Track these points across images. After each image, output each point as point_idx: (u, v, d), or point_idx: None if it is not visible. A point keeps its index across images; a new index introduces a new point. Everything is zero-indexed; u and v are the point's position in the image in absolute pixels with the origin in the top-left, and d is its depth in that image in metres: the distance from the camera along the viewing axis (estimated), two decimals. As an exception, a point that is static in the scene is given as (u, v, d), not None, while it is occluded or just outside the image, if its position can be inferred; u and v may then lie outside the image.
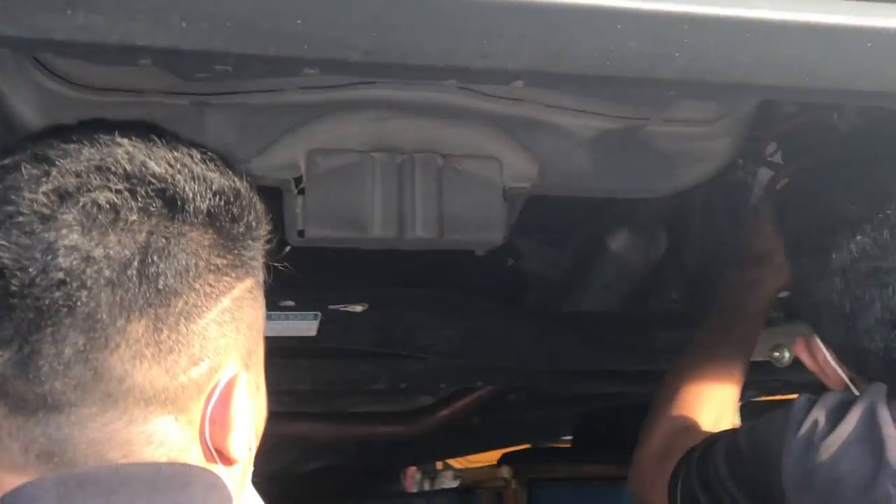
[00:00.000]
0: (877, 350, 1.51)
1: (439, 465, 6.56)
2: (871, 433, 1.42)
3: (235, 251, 1.11)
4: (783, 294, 2.06)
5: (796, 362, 2.20)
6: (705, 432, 1.81)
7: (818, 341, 1.62)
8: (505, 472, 3.01)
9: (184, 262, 1.05)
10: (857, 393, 1.55)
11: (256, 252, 1.15)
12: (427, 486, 6.56)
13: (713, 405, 1.90)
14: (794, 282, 1.69)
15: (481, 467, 3.17)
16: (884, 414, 1.44)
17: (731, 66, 1.25)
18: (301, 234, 1.70)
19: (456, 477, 5.96)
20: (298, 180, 1.70)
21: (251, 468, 1.16)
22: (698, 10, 1.20)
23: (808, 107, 2.15)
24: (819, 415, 1.46)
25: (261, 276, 1.17)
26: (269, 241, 1.17)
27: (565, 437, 4.13)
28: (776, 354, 2.19)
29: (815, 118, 2.15)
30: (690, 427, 1.85)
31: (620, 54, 1.21)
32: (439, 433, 2.95)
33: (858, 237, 1.50)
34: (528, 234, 2.48)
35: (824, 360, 1.61)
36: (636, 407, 3.28)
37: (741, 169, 2.35)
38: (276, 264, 1.20)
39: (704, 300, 2.64)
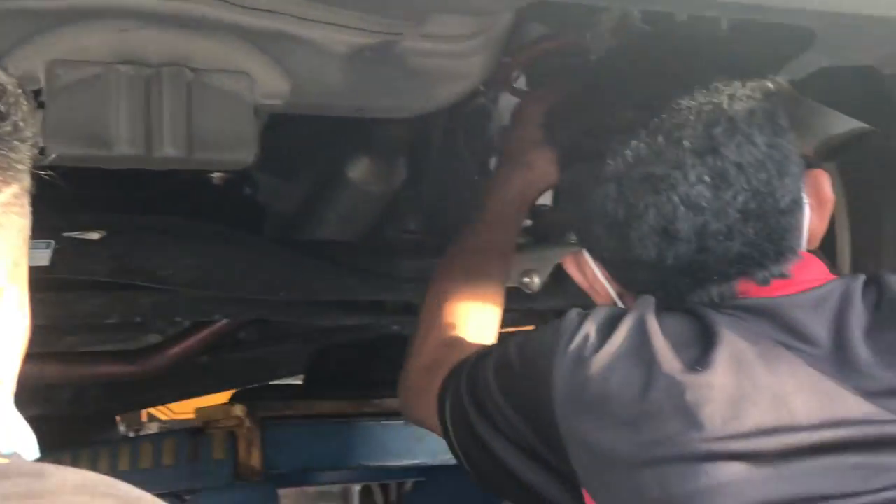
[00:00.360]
0: (649, 259, 1.50)
1: (143, 416, 6.41)
2: (641, 345, 1.41)
3: (2, 153, 1.01)
4: (544, 206, 2.07)
5: (545, 290, 2.23)
6: (473, 344, 1.79)
7: (587, 257, 1.61)
8: (238, 410, 2.93)
9: None
10: (624, 307, 1.55)
11: (23, 155, 1.04)
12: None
13: (477, 311, 1.89)
14: (565, 193, 1.68)
15: (215, 406, 3.07)
16: (653, 325, 1.43)
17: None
18: (42, 151, 1.58)
19: (161, 428, 5.82)
20: (38, 93, 1.59)
21: (13, 387, 1.06)
22: None
23: (555, 33, 2.16)
24: (590, 329, 1.45)
25: (27, 181, 1.07)
26: (35, 145, 1.07)
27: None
28: (525, 280, 2.20)
29: (562, 44, 2.16)
30: (457, 338, 1.83)
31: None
32: (167, 373, 2.85)
33: (633, 142, 1.48)
34: (261, 163, 2.41)
35: (593, 276, 1.61)
36: (368, 343, 3.30)
37: (483, 95, 2.35)
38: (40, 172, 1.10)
39: (442, 231, 2.64)
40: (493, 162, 2.63)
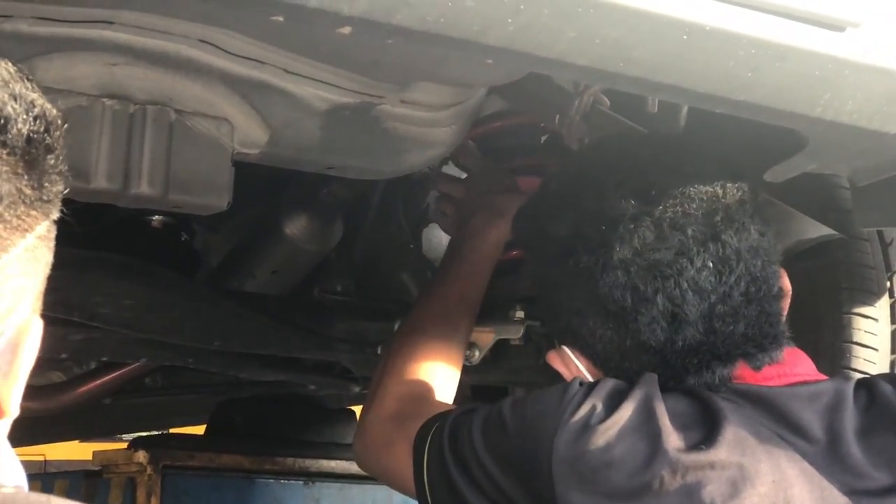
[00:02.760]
0: (656, 343, 1.54)
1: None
2: (647, 420, 1.44)
3: (45, 185, 0.99)
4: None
5: (483, 363, 2.24)
6: (442, 400, 1.81)
7: (568, 352, 1.65)
8: (141, 456, 2.87)
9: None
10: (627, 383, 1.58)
11: (60, 188, 1.03)
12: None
13: (443, 363, 1.91)
14: (547, 291, 1.70)
15: (115, 450, 3.00)
16: (658, 402, 1.46)
17: (555, 40, 1.24)
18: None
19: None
20: (19, 119, 1.55)
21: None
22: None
23: (513, 110, 2.20)
24: (596, 400, 1.47)
25: (56, 214, 1.05)
26: (67, 179, 1.06)
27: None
28: (467, 353, 2.21)
29: (520, 122, 2.21)
30: (427, 391, 1.84)
31: (455, 13, 1.19)
32: (70, 412, 2.79)
33: (640, 231, 1.53)
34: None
35: (576, 368, 1.63)
36: (272, 399, 3.27)
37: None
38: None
39: (370, 295, 2.65)
40: (427, 231, 2.66)
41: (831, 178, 2.08)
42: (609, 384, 1.51)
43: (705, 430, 1.44)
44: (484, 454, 1.54)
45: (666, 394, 1.49)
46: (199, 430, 4.22)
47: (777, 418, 1.48)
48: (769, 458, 1.42)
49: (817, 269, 2.09)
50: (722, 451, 1.41)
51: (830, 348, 2.12)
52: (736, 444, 1.42)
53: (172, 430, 3.96)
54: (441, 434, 1.63)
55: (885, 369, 2.13)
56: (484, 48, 1.24)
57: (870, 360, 2.10)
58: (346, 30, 1.20)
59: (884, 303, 2.15)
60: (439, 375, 1.89)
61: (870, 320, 2.11)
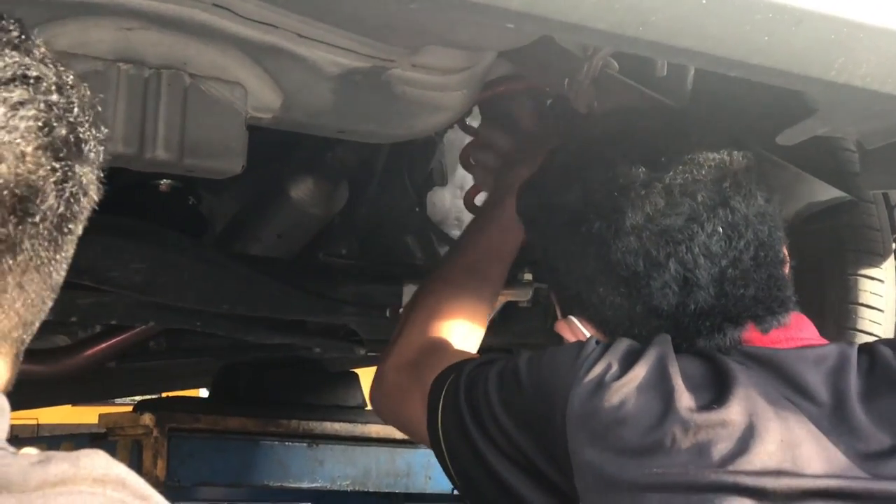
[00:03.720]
0: (668, 307, 1.56)
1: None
2: (660, 379, 1.46)
3: None
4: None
5: (492, 325, 2.25)
6: (458, 351, 1.82)
7: (576, 322, 1.66)
8: (147, 419, 2.88)
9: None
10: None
11: None
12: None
13: (466, 317, 1.92)
14: (556, 261, 1.71)
15: (121, 412, 3.02)
16: (672, 362, 1.49)
17: (575, 5, 1.25)
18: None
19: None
20: (38, 83, 1.56)
21: None
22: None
23: (518, 74, 2.21)
24: (612, 359, 1.49)
25: None
26: None
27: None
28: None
29: (525, 87, 2.21)
30: (443, 343, 1.85)
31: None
32: (76, 376, 2.80)
33: (651, 196, 1.56)
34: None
35: (584, 336, 1.66)
36: (276, 362, 3.29)
37: (430, 128, 2.38)
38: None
39: (374, 258, 2.66)
40: (432, 194, 2.67)
41: (837, 141, 2.10)
42: (624, 343, 1.53)
43: (716, 391, 1.47)
44: (499, 408, 1.56)
45: (678, 355, 1.52)
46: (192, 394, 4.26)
47: (785, 381, 1.51)
48: (778, 418, 1.45)
49: (824, 231, 2.11)
50: (733, 411, 1.43)
51: (836, 309, 2.14)
52: (746, 404, 1.45)
53: (169, 394, 3.98)
54: (457, 385, 1.64)
55: (891, 330, 2.16)
56: (505, 13, 1.25)
57: (875, 321, 2.13)
58: (371, -7, 1.21)
59: (889, 264, 2.18)
60: (463, 328, 1.90)
61: (875, 282, 2.14)
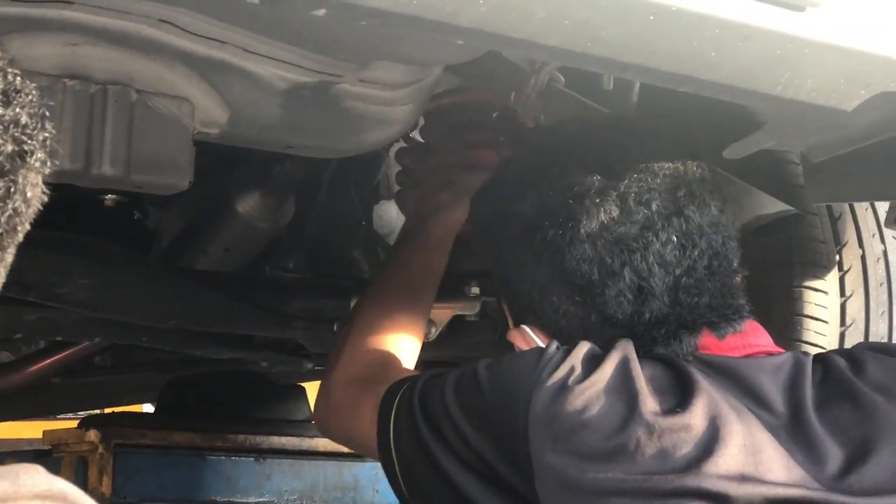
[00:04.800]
0: (623, 316, 1.56)
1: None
2: (624, 384, 1.46)
3: None
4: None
5: (440, 339, 2.26)
6: (406, 366, 1.84)
7: (529, 331, 1.67)
8: (92, 435, 2.85)
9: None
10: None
11: None
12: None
13: (407, 332, 1.93)
14: (509, 271, 1.71)
15: (66, 429, 2.98)
16: (636, 366, 1.49)
17: (526, 21, 1.26)
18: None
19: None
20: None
21: None
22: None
23: (463, 87, 2.21)
24: (574, 361, 1.49)
25: None
26: None
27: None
28: (426, 331, 2.22)
29: (470, 99, 2.21)
30: (390, 358, 1.86)
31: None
32: (20, 392, 2.77)
33: (606, 205, 1.56)
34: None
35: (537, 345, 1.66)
36: (224, 376, 3.27)
37: (377, 141, 2.37)
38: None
39: (321, 272, 2.65)
40: (378, 207, 2.67)
41: (782, 154, 2.12)
42: (586, 347, 1.53)
43: (679, 395, 1.47)
44: (457, 413, 1.55)
45: (640, 360, 1.52)
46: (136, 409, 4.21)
47: (743, 390, 1.52)
48: (740, 422, 1.45)
49: (770, 243, 2.13)
50: (696, 415, 1.43)
51: (782, 321, 2.16)
52: (709, 409, 1.45)
53: (115, 410, 3.94)
54: (411, 394, 1.63)
55: (835, 342, 2.18)
56: (456, 29, 1.25)
57: (820, 333, 2.15)
58: (321, 12, 1.21)
59: (833, 276, 2.20)
60: (403, 344, 1.91)
61: (820, 293, 2.16)
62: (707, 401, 1.46)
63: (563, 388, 1.46)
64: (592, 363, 1.49)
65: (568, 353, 1.51)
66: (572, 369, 1.48)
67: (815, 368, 1.57)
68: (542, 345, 1.63)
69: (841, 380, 1.54)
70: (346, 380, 1.85)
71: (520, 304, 1.69)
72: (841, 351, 1.66)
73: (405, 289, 1.99)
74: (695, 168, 1.61)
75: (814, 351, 2.08)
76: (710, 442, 1.42)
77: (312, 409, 3.16)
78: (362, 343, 1.90)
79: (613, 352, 1.51)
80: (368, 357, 1.87)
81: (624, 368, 1.48)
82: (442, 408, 1.57)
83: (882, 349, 1.62)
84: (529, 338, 1.66)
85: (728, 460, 1.41)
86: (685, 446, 1.41)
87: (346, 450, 3.02)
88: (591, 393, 1.45)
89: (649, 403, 1.45)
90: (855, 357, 1.59)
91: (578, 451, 1.42)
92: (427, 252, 2.03)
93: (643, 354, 1.54)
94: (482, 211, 1.80)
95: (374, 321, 1.93)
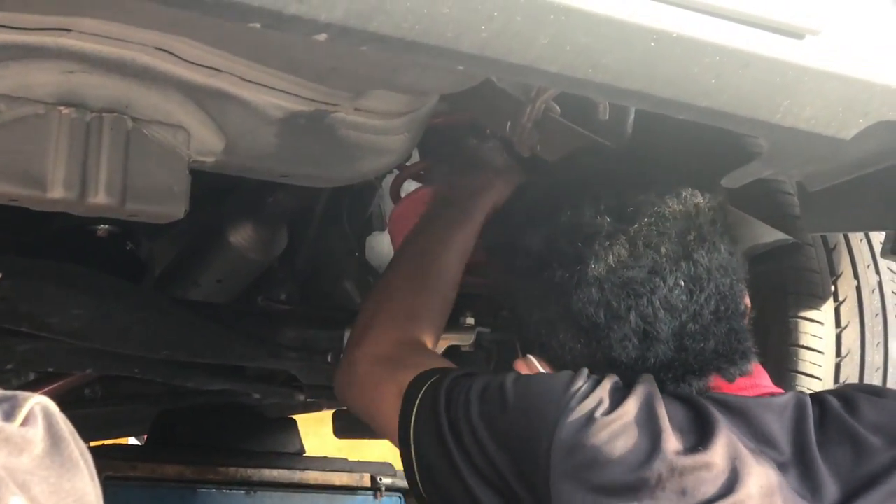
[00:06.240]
0: (628, 359, 1.57)
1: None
2: (648, 420, 1.47)
3: None
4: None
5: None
6: (434, 354, 1.82)
7: (535, 362, 1.66)
8: (82, 470, 2.81)
9: None
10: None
11: None
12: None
13: (434, 317, 1.91)
14: (530, 299, 1.69)
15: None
16: (660, 405, 1.49)
17: (528, 47, 1.26)
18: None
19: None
20: (-23, 126, 1.55)
21: None
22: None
23: (451, 113, 2.20)
24: (603, 394, 1.49)
25: None
26: None
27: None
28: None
29: (452, 121, 2.20)
30: (420, 342, 1.84)
31: (431, 18, 1.20)
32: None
33: (615, 248, 1.56)
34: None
35: None
36: (215, 408, 3.24)
37: (371, 171, 2.37)
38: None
39: (314, 303, 2.64)
40: (370, 238, 2.66)
41: (778, 184, 2.12)
42: (613, 380, 1.53)
43: (700, 434, 1.48)
44: (479, 424, 1.54)
45: (663, 396, 1.52)
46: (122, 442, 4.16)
47: (752, 429, 1.53)
48: (758, 464, 1.46)
49: (766, 273, 2.13)
50: (717, 454, 1.44)
51: (777, 351, 2.15)
52: (728, 449, 1.46)
53: (103, 443, 3.90)
54: (436, 391, 1.63)
55: (831, 372, 2.17)
56: (457, 55, 1.25)
57: (815, 363, 2.14)
58: (322, 37, 1.20)
59: (829, 307, 2.19)
60: (431, 322, 1.89)
61: (815, 324, 2.15)
62: (727, 440, 1.46)
63: (591, 419, 1.46)
64: (619, 396, 1.50)
65: (598, 383, 1.51)
66: (601, 401, 1.48)
67: (814, 409, 1.57)
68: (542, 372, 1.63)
69: (839, 420, 1.55)
70: (376, 356, 1.82)
71: (527, 335, 1.69)
72: (833, 391, 1.67)
73: (436, 263, 1.94)
74: (707, 210, 1.60)
75: (810, 382, 2.09)
76: (731, 480, 1.42)
77: (304, 442, 3.15)
78: (391, 316, 1.88)
79: (638, 386, 1.51)
80: (397, 335, 1.85)
81: (649, 404, 1.49)
82: (465, 414, 1.56)
83: (871, 391, 1.64)
84: (535, 369, 1.65)
85: (746, 499, 1.42)
86: (705, 485, 1.41)
87: (337, 482, 3.01)
88: (617, 427, 1.45)
89: (672, 441, 1.45)
90: (847, 398, 1.60)
91: (599, 483, 1.43)
92: (462, 228, 1.97)
93: (665, 391, 1.54)
94: (495, 237, 1.80)
95: (405, 294, 1.91)
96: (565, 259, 1.59)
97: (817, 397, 1.62)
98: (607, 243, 1.57)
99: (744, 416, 1.53)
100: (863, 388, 1.66)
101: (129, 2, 1.43)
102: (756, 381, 1.61)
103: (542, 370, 1.65)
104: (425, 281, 1.92)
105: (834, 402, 1.58)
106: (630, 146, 1.88)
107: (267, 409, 3.35)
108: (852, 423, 1.54)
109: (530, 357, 1.67)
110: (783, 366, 2.14)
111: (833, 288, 2.21)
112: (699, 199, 1.62)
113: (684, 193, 1.61)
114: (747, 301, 1.66)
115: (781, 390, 1.63)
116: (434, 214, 2.04)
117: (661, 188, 1.62)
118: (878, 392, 1.63)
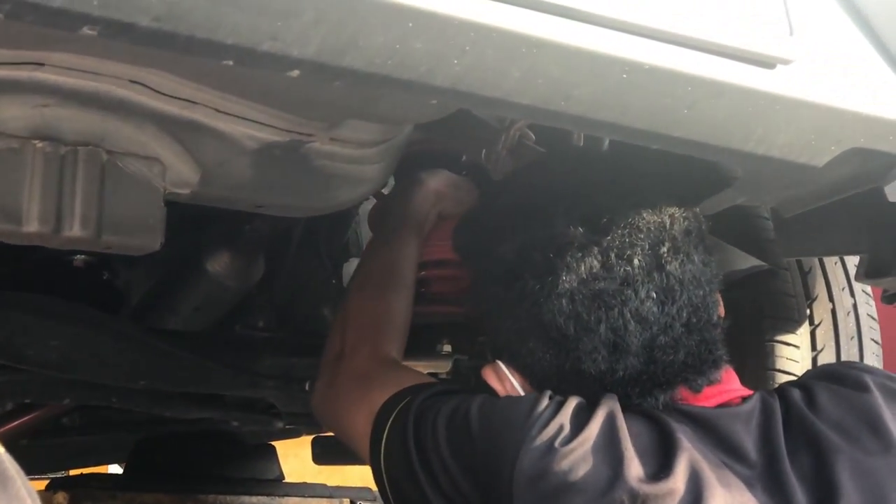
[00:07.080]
0: (597, 371, 1.56)
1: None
2: (610, 444, 1.46)
3: None
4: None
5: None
6: (409, 372, 1.83)
7: (504, 368, 1.66)
8: (61, 497, 2.81)
9: None
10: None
11: None
12: None
13: (398, 316, 1.94)
14: (488, 307, 1.70)
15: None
16: (622, 427, 1.48)
17: (500, 80, 1.26)
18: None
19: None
20: (-49, 161, 1.54)
21: None
22: (485, 20, 1.20)
23: (428, 138, 2.21)
24: (564, 419, 1.48)
25: None
26: None
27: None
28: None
29: (426, 147, 2.20)
30: (393, 359, 1.87)
31: (404, 53, 1.20)
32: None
33: (587, 259, 1.55)
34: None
35: (511, 386, 1.65)
36: (193, 436, 3.23)
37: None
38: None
39: (291, 330, 2.64)
40: (347, 266, 2.66)
41: (752, 209, 2.13)
42: (574, 402, 1.52)
43: (662, 457, 1.47)
44: (446, 451, 1.54)
45: (625, 414, 1.51)
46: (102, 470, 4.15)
47: (719, 442, 1.51)
48: (721, 485, 1.45)
49: (741, 298, 2.14)
50: (679, 480, 1.43)
51: (754, 375, 2.16)
52: (691, 472, 1.45)
53: (81, 471, 3.89)
54: (405, 417, 1.63)
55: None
56: (430, 89, 1.25)
57: (792, 387, 2.15)
58: (295, 73, 1.20)
59: (804, 330, 2.20)
60: (397, 329, 1.92)
61: (791, 347, 2.16)
62: (689, 462, 1.45)
63: (551, 448, 1.45)
64: (580, 420, 1.49)
65: (560, 406, 1.51)
66: (561, 428, 1.47)
67: (781, 405, 1.57)
68: (515, 384, 1.62)
69: (801, 419, 1.54)
70: (348, 373, 1.85)
71: (497, 340, 1.68)
72: (795, 383, 1.66)
73: (386, 270, 1.99)
74: (682, 220, 1.60)
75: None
76: None
77: (283, 468, 3.14)
78: (358, 331, 1.90)
79: (599, 409, 1.50)
80: (368, 348, 1.87)
81: (610, 427, 1.48)
82: (433, 441, 1.56)
83: (830, 375, 1.62)
84: (504, 376, 1.65)
85: None
86: None
87: (315, 509, 3.01)
88: (578, 455, 1.44)
89: (634, 467, 1.44)
90: (808, 389, 1.59)
91: None
92: (401, 232, 2.04)
93: (624, 408, 1.54)
94: (466, 240, 1.80)
95: (366, 306, 1.94)
96: (537, 270, 1.58)
97: (782, 393, 1.61)
98: (580, 254, 1.56)
99: (710, 429, 1.53)
100: (824, 375, 1.64)
101: (102, 40, 1.43)
102: (724, 387, 1.60)
103: (510, 377, 1.64)
104: (383, 290, 1.96)
105: (796, 396, 1.57)
106: (604, 154, 1.88)
107: (246, 436, 3.35)
108: (813, 421, 1.54)
109: (499, 363, 1.66)
110: (760, 389, 2.14)
111: (809, 311, 2.22)
112: (674, 208, 1.61)
113: (659, 203, 1.60)
114: (721, 310, 1.65)
115: (750, 391, 1.62)
116: (376, 228, 2.12)
117: (635, 198, 1.61)
118: (839, 377, 1.62)
